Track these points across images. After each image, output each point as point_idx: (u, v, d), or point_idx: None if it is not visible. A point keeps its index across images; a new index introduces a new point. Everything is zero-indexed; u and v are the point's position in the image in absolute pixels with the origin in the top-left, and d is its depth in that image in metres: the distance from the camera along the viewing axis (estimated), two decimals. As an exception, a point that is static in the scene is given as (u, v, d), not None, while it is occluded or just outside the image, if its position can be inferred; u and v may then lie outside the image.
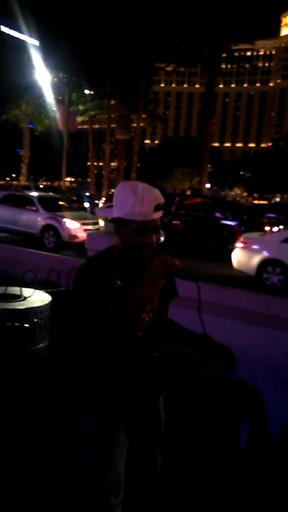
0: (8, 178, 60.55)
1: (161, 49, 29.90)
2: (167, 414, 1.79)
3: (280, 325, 3.12)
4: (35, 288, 2.87)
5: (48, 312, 2.72)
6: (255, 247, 8.23)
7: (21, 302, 2.63)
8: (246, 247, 8.28)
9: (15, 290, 2.79)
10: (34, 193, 12.94)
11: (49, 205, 12.04)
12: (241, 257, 8.31)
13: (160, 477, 1.74)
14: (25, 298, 2.70)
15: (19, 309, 2.53)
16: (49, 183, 58.76)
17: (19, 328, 2.49)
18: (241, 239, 8.59)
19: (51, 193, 17.23)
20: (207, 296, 4.11)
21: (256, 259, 7.95)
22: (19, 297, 2.69)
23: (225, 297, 3.75)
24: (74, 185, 63.82)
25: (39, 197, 12.25)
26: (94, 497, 1.59)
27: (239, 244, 8.46)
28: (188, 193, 33.04)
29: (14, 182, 49.02)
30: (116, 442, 1.59)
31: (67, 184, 51.70)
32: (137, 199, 1.46)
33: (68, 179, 61.27)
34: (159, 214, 1.51)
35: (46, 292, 3.06)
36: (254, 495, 2.46)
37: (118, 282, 1.51)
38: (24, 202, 12.06)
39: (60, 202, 13.32)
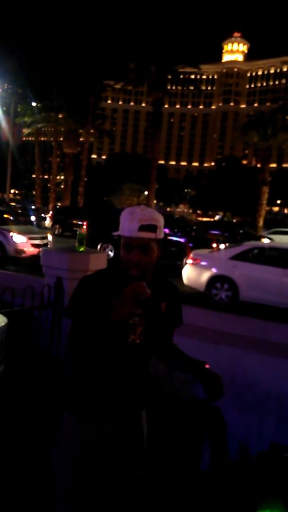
0: None
1: (110, 67, 30.45)
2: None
3: (240, 343, 3.18)
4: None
5: (4, 335, 2.56)
6: (204, 263, 8.44)
7: (-25, 325, 2.46)
8: (196, 264, 8.46)
9: None
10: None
11: (-7, 218, 11.59)
12: (191, 273, 8.47)
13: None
14: (-21, 320, 2.53)
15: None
16: (-9, 195, 56.79)
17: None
18: (191, 255, 8.77)
19: (-5, 206, 16.62)
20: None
21: (205, 276, 8.15)
22: (-28, 319, 2.52)
23: (184, 315, 3.77)
24: (18, 197, 62.14)
25: (-18, 210, 11.75)
26: (62, 496, 1.64)
27: (189, 261, 8.63)
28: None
29: None
30: (92, 445, 1.62)
31: (11, 196, 50.21)
32: (129, 217, 1.56)
33: (12, 191, 59.61)
34: (146, 235, 1.54)
35: (1, 312, 2.89)
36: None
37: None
38: None
39: (5, 216, 12.86)
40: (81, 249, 3.61)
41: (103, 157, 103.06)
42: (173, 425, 2.90)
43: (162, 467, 2.65)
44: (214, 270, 8.22)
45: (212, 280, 8.11)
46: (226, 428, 3.06)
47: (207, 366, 1.71)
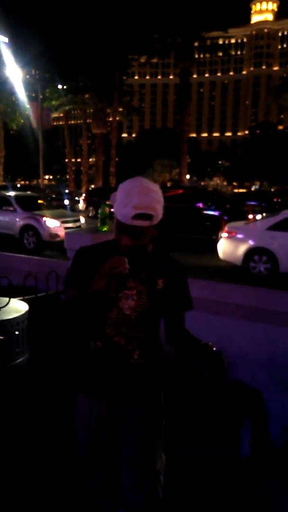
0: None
1: (134, 40, 29.41)
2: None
3: (278, 320, 2.95)
4: (11, 296, 2.61)
5: (25, 322, 2.47)
6: (240, 236, 8.07)
7: (-5, 314, 2.37)
8: (231, 237, 8.10)
9: (-12, 300, 2.53)
10: (11, 193, 12.54)
11: (27, 205, 11.68)
12: (226, 247, 8.12)
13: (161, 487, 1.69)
14: (-1, 308, 2.44)
15: (-8, 322, 2.28)
16: (27, 182, 57.81)
17: (-7, 343, 2.24)
18: (226, 228, 8.40)
19: (28, 192, 16.78)
20: (200, 293, 3.93)
21: (242, 249, 7.79)
22: (-8, 308, 2.43)
23: (218, 293, 3.56)
24: (52, 182, 62.92)
25: (16, 197, 11.86)
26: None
27: (224, 234, 8.28)
28: (169, 185, 32.84)
29: (-9, 183, 48.05)
30: (98, 423, 1.63)
31: (46, 182, 50.93)
32: (124, 200, 1.47)
33: (46, 177, 60.38)
34: (140, 223, 1.48)
35: (23, 299, 2.80)
36: (256, 508, 2.28)
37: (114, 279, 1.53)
38: (1, 203, 11.66)
39: (39, 201, 12.96)
40: (104, 228, 3.45)
41: (134, 135, 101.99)
42: (209, 408, 2.74)
43: (197, 454, 2.51)
44: (251, 242, 7.82)
45: (250, 252, 7.72)
46: (267, 412, 2.87)
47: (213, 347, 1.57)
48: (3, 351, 2.28)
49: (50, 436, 2.52)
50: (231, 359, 3.45)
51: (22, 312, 2.46)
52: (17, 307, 2.54)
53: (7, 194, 12.31)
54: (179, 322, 1.69)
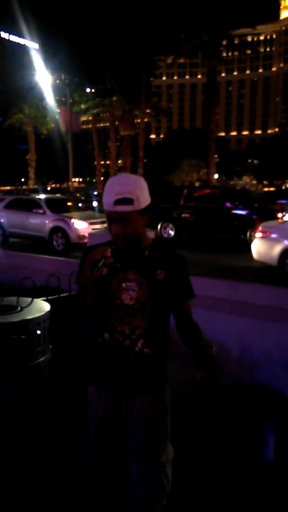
0: (16, 183, 60.75)
1: (160, 41, 29.42)
2: (182, 421, 1.84)
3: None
4: (34, 296, 2.66)
5: (47, 322, 2.51)
6: (275, 236, 7.79)
7: (18, 314, 2.42)
8: (266, 237, 7.82)
9: (11, 300, 2.58)
10: (41, 196, 12.80)
11: (56, 207, 11.89)
12: (261, 247, 7.82)
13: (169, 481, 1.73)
14: (21, 308, 2.49)
15: (15, 321, 2.33)
16: (57, 185, 58.81)
17: (16, 342, 2.28)
18: (260, 228, 8.15)
19: (58, 195, 17.08)
20: (222, 293, 3.88)
21: (278, 249, 7.45)
22: (15, 308, 2.48)
23: (242, 293, 3.50)
24: (82, 185, 63.73)
25: (45, 200, 12.10)
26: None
27: (258, 234, 8.04)
28: (197, 184, 32.59)
29: (24, 187, 49.14)
30: (105, 414, 1.69)
31: (76, 184, 51.65)
32: (107, 190, 1.61)
33: (76, 179, 61.24)
34: (122, 208, 1.57)
35: (47, 299, 2.85)
36: None
37: (104, 269, 1.61)
38: (31, 206, 11.92)
39: (68, 203, 13.17)
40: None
41: (162, 136, 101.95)
42: (230, 410, 2.70)
43: (219, 456, 2.47)
44: (286, 242, 7.43)
45: (285, 253, 7.45)
46: (291, 413, 2.80)
47: (207, 342, 1.61)
48: (25, 350, 2.33)
49: (68, 433, 2.55)
50: (254, 360, 3.40)
51: (44, 312, 2.50)
52: (40, 306, 2.59)
53: (37, 197, 12.57)
54: (185, 314, 1.74)
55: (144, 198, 1.62)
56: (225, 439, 2.59)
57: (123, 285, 1.65)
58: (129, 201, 1.56)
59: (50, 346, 2.59)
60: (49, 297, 2.95)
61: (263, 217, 10.13)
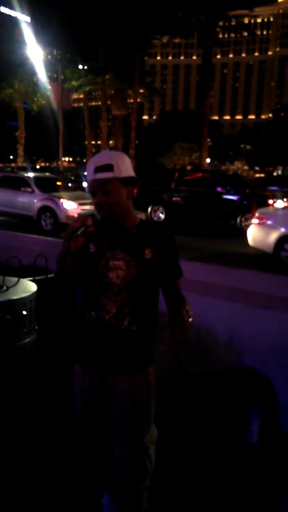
0: (5, 160, 59.65)
1: (156, 19, 28.82)
2: (169, 404, 1.87)
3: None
4: (21, 276, 2.60)
5: (34, 303, 2.46)
6: (271, 222, 7.68)
7: (3, 293, 2.37)
8: (262, 223, 7.72)
9: (-3, 279, 2.53)
10: (30, 174, 12.57)
11: (45, 186, 11.69)
12: (256, 234, 7.73)
13: (151, 463, 1.74)
14: (7, 288, 2.43)
15: (0, 301, 2.27)
16: (47, 164, 57.92)
17: (0, 322, 2.24)
18: (256, 214, 8.07)
19: (47, 174, 16.81)
20: (212, 278, 3.87)
21: (273, 236, 7.38)
22: (0, 288, 2.43)
23: (232, 278, 3.49)
24: (72, 165, 62.85)
25: (34, 178, 11.89)
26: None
27: (254, 220, 7.95)
28: (188, 168, 32.40)
29: (12, 164, 48.28)
30: (91, 392, 1.70)
31: (65, 164, 50.91)
32: (89, 164, 1.62)
33: (66, 159, 60.32)
34: (103, 175, 1.58)
35: (33, 280, 2.80)
36: (263, 496, 2.25)
37: (92, 247, 1.65)
38: (19, 184, 11.70)
39: (57, 183, 12.97)
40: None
41: (154, 117, 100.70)
42: (217, 393, 2.71)
43: (205, 438, 2.48)
44: (283, 230, 7.36)
45: (281, 240, 7.30)
46: (276, 399, 2.82)
47: (186, 308, 1.56)
48: (10, 331, 2.29)
49: (54, 413, 2.54)
50: (241, 346, 3.41)
51: (31, 293, 2.45)
52: (26, 287, 2.53)
53: (26, 175, 12.34)
54: (174, 289, 1.73)
55: (124, 166, 1.62)
56: (211, 422, 2.61)
57: (111, 263, 1.64)
58: (109, 167, 1.57)
59: (36, 327, 2.54)
60: (36, 278, 2.89)
61: (255, 203, 10.12)
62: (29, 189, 11.42)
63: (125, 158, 1.64)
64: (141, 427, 1.71)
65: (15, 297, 2.35)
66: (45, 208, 10.96)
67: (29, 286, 2.55)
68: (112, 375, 1.68)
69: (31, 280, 2.75)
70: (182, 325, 1.49)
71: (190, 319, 1.51)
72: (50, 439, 2.45)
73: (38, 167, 34.47)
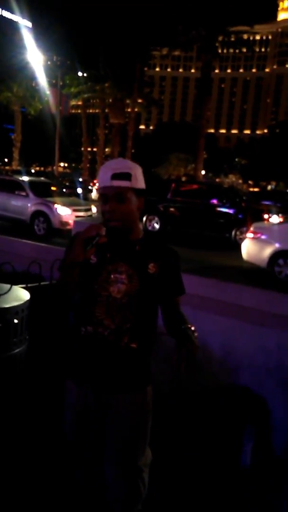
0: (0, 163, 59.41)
1: (157, 31, 29.06)
2: (160, 421, 1.72)
3: (289, 326, 2.83)
4: (13, 283, 2.52)
5: (26, 311, 2.37)
6: (265, 237, 7.65)
7: (-6, 301, 2.28)
8: (256, 238, 7.70)
9: (-11, 286, 2.44)
10: (24, 178, 12.49)
11: (40, 191, 11.63)
12: (251, 248, 7.71)
13: (144, 485, 1.65)
14: (-1, 295, 2.35)
15: (-10, 309, 2.19)
16: (42, 168, 57.79)
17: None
18: (251, 229, 8.06)
19: (42, 178, 16.75)
20: (207, 292, 3.80)
21: (268, 251, 7.34)
22: (-8, 295, 2.34)
23: (228, 293, 3.43)
24: (67, 170, 62.79)
25: (29, 182, 11.82)
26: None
27: (249, 235, 7.94)
28: (183, 179, 32.51)
29: (7, 168, 48.07)
30: (84, 411, 1.60)
31: (61, 169, 50.87)
32: (103, 169, 1.55)
33: (62, 164, 60.31)
34: (119, 183, 1.51)
35: (26, 287, 2.71)
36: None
37: (93, 258, 1.57)
38: (14, 187, 11.62)
39: (52, 188, 12.91)
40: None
41: (151, 127, 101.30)
42: (210, 413, 2.63)
43: (196, 460, 2.40)
44: (277, 245, 7.34)
45: (275, 255, 7.26)
46: (270, 420, 2.75)
47: (192, 329, 1.49)
48: (0, 340, 2.20)
49: (44, 426, 2.44)
50: (237, 363, 3.35)
51: (23, 301, 2.37)
52: (18, 295, 2.45)
53: (21, 179, 12.26)
54: (173, 306, 1.66)
55: (140, 179, 1.58)
56: (204, 442, 2.53)
57: (112, 276, 1.56)
58: (127, 176, 1.52)
59: (27, 337, 2.46)
60: (29, 285, 2.81)
61: (250, 217, 10.13)
62: (23, 193, 11.34)
63: (140, 170, 1.59)
64: (136, 449, 1.62)
65: (6, 306, 2.26)
66: (39, 212, 10.88)
67: (22, 294, 2.46)
68: (109, 394, 1.59)
69: (23, 288, 2.67)
70: (190, 347, 1.41)
71: (196, 341, 1.44)
72: (39, 456, 2.36)
73: (33, 171, 34.34)
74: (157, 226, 12.02)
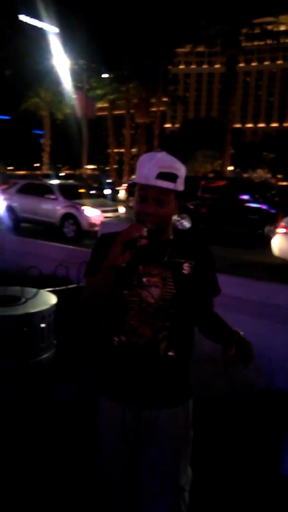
0: (30, 168, 60.62)
1: (180, 28, 28.78)
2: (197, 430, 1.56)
3: None
4: (40, 286, 2.48)
5: (53, 316, 2.32)
6: None
7: (21, 306, 2.24)
8: None
9: (16, 290, 2.40)
10: (53, 182, 12.64)
11: (69, 193, 11.73)
12: (283, 243, 7.49)
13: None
14: (26, 300, 2.30)
15: (17, 314, 2.15)
16: (70, 171, 58.58)
17: (17, 337, 2.11)
18: (283, 223, 7.83)
19: (70, 181, 16.91)
20: (239, 292, 3.65)
21: None
22: (18, 300, 2.30)
23: (261, 293, 3.28)
24: (96, 172, 63.36)
25: (58, 186, 11.94)
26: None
27: (280, 230, 7.74)
28: (211, 176, 32.15)
29: (37, 172, 49.03)
30: (122, 428, 1.48)
31: (89, 171, 51.36)
32: (147, 162, 1.39)
33: (90, 166, 60.90)
34: (164, 184, 1.37)
35: (53, 290, 2.67)
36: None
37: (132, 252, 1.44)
38: (43, 191, 11.78)
39: (80, 190, 13.00)
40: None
41: (177, 125, 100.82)
42: (245, 421, 2.50)
43: (233, 471, 2.28)
44: None
45: None
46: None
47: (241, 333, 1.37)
48: (27, 346, 2.15)
49: (71, 442, 2.39)
50: (272, 367, 3.20)
51: (50, 305, 2.32)
52: (45, 298, 2.40)
53: (50, 182, 12.41)
54: (208, 308, 1.54)
55: (183, 181, 1.44)
56: (240, 451, 2.41)
57: (145, 280, 1.43)
58: (173, 177, 1.38)
59: (55, 342, 2.41)
60: (56, 288, 2.76)
61: (281, 212, 9.83)
62: (53, 196, 11.47)
63: (185, 170, 1.46)
64: (179, 467, 1.49)
65: (33, 310, 2.22)
66: (68, 215, 10.98)
67: (49, 298, 2.41)
68: (150, 409, 1.45)
69: (50, 291, 2.63)
70: (239, 340, 1.31)
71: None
72: (66, 471, 2.30)
73: (62, 174, 34.83)
74: (187, 225, 11.84)
